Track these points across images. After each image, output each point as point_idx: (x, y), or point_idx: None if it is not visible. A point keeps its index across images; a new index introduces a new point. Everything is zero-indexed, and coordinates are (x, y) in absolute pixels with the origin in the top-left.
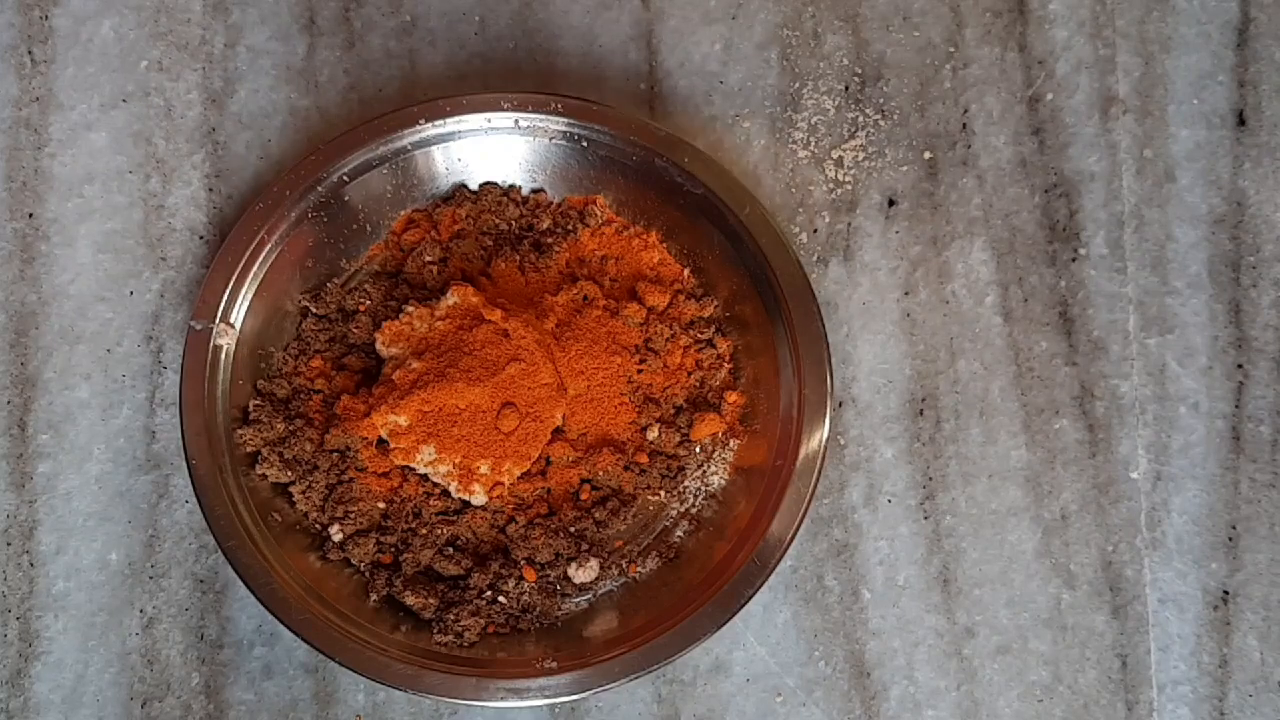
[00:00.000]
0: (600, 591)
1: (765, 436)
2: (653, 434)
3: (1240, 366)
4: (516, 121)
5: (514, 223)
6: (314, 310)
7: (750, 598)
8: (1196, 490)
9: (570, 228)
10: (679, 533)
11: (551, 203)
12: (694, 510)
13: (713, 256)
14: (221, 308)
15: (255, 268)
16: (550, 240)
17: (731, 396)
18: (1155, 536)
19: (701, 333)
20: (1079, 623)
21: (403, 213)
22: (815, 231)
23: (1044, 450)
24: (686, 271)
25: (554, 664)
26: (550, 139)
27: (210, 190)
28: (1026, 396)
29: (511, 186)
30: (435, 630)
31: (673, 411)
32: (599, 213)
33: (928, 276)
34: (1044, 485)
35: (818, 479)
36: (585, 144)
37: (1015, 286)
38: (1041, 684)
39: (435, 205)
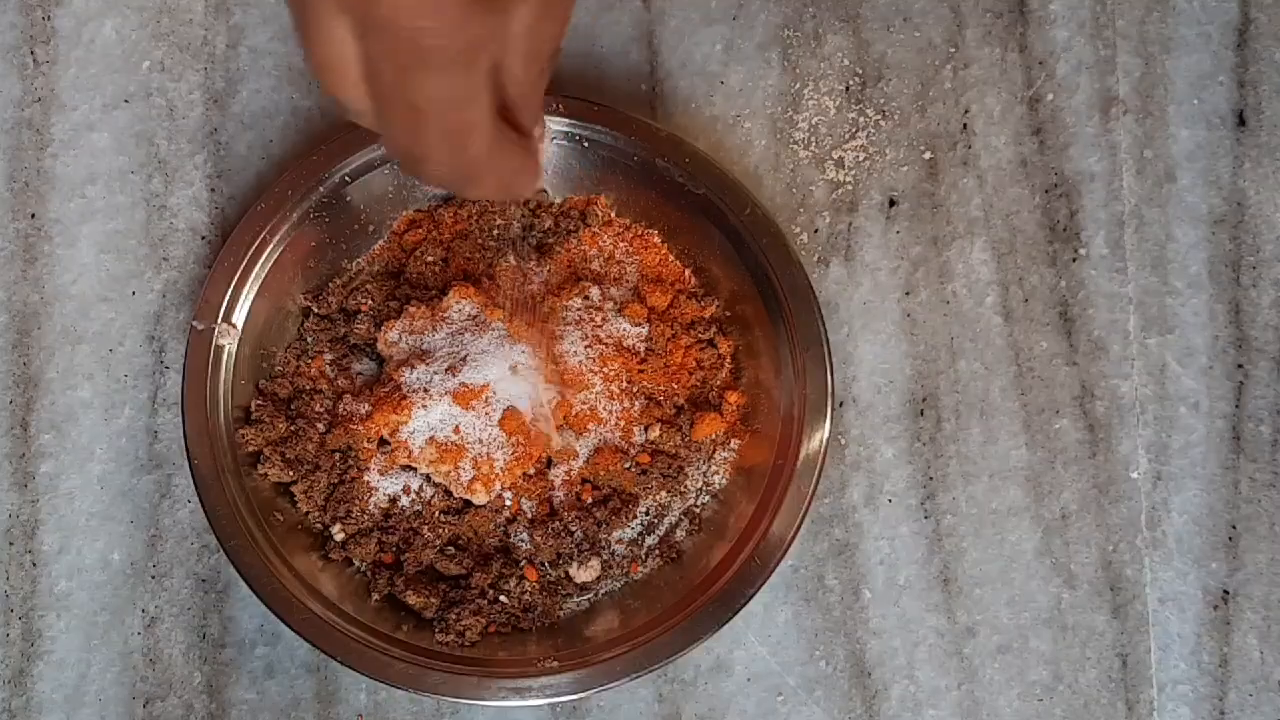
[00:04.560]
0: (601, 591)
1: (766, 436)
2: (654, 434)
3: (1240, 366)
4: None
5: (515, 223)
6: (316, 310)
7: (751, 597)
8: (1197, 490)
9: (572, 228)
10: (680, 532)
11: (553, 203)
12: (695, 510)
13: (714, 257)
14: (223, 308)
15: (257, 268)
16: (552, 240)
17: (732, 396)
18: (1155, 536)
19: (703, 333)
20: (1079, 622)
21: (404, 213)
22: (816, 232)
23: (1044, 450)
24: (688, 272)
25: (555, 663)
26: (551, 139)
27: (212, 190)
28: (1027, 396)
29: None
30: (437, 630)
31: (674, 411)
32: (600, 213)
33: (928, 276)
34: (1044, 485)
35: (818, 479)
36: (586, 144)
37: (1015, 286)
38: (1042, 683)
39: (437, 205)
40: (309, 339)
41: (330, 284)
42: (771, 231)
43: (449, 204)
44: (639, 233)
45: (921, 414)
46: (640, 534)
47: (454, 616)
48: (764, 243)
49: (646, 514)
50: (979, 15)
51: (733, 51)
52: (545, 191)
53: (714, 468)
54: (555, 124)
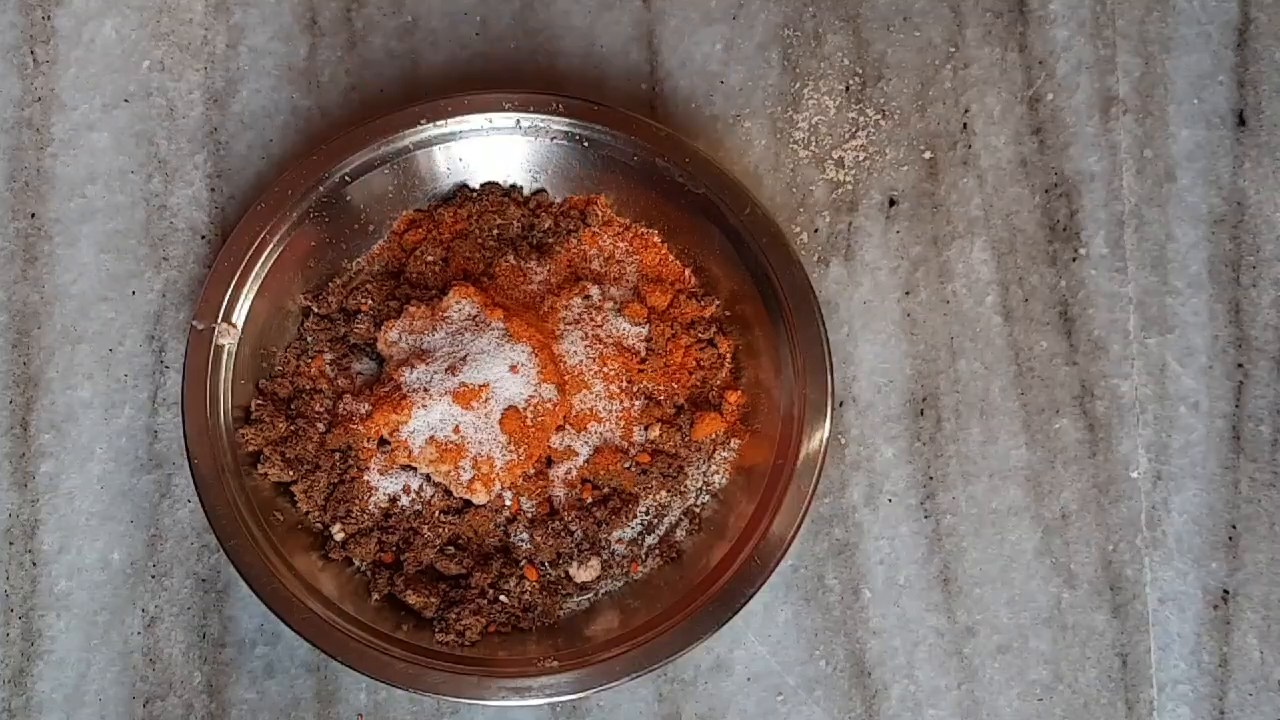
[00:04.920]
0: (601, 591)
1: (766, 436)
2: (654, 433)
3: (1240, 366)
4: (518, 122)
5: (516, 223)
6: (316, 310)
7: (751, 597)
8: (1196, 490)
9: (572, 228)
10: (680, 532)
11: (553, 203)
12: (695, 510)
13: (714, 256)
14: (223, 307)
15: (257, 267)
16: (552, 240)
17: (732, 396)
18: (1155, 536)
19: (702, 332)
20: (1079, 622)
21: (404, 213)
22: (816, 231)
23: (1044, 450)
24: (687, 271)
25: (555, 663)
26: (552, 139)
27: (212, 190)
28: (1027, 396)
29: (513, 186)
30: (437, 629)
31: (674, 411)
32: (600, 213)
33: (928, 276)
34: (1044, 485)
35: (818, 478)
36: (586, 144)
37: (1015, 286)
38: (1042, 683)
39: (436, 205)
40: (309, 339)
41: (330, 284)
42: (771, 231)
43: (449, 204)
44: (639, 233)
45: (921, 414)
46: (640, 534)
47: (454, 616)
48: (764, 243)
49: (646, 514)
50: (979, 15)
51: (733, 51)
52: (545, 191)
53: (714, 467)
54: (556, 124)
